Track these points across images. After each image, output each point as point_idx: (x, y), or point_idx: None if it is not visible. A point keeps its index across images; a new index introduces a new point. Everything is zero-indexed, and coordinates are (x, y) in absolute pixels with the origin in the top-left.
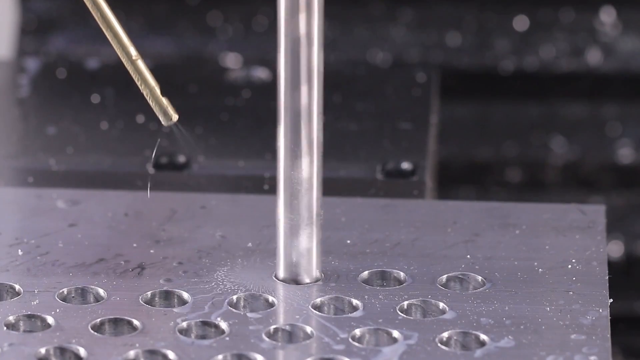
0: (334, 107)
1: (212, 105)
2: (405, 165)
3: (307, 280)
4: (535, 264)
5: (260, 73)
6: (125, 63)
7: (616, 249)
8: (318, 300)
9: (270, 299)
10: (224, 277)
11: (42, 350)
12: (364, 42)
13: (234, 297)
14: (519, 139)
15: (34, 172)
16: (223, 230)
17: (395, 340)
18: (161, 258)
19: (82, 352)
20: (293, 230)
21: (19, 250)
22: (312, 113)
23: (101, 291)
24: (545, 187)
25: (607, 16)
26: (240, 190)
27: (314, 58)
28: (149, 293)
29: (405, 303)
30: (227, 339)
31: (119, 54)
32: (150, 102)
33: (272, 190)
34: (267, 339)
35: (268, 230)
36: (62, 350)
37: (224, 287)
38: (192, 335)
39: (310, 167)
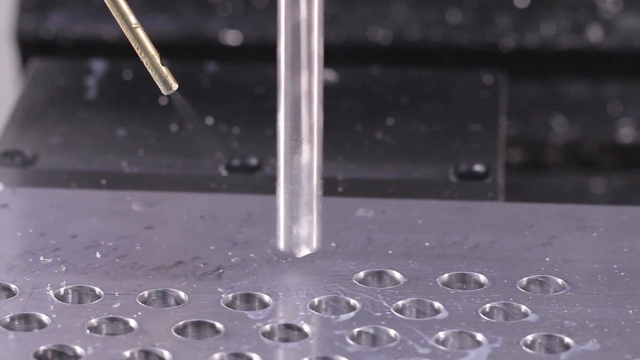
0: (403, 109)
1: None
2: (478, 168)
3: (307, 251)
4: (615, 266)
5: (328, 75)
6: (124, 31)
7: None
8: (400, 303)
9: (352, 301)
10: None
11: (127, 354)
12: (364, 20)
13: (316, 299)
14: (519, 118)
15: (106, 175)
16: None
17: (479, 343)
18: (240, 260)
19: (166, 355)
20: (293, 202)
21: (97, 253)
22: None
23: (182, 294)
24: (546, 167)
25: None
26: None
27: (314, 42)
28: (230, 296)
29: (488, 306)
30: (311, 342)
31: (118, 22)
32: (150, 70)
33: (347, 192)
34: (351, 342)
35: (345, 232)
36: (146, 354)
37: (307, 290)
38: (276, 339)
39: (310, 150)
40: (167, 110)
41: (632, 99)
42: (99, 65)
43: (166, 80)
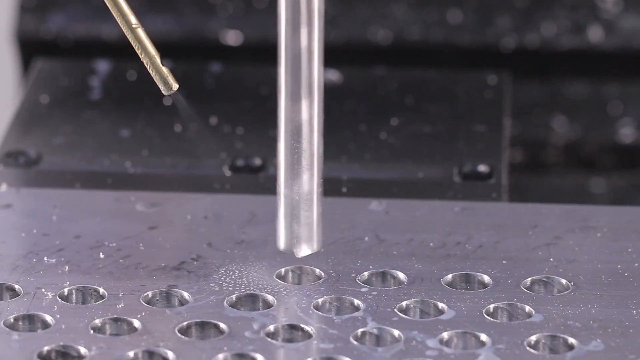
0: (407, 109)
1: None
2: (482, 168)
3: (308, 251)
4: (619, 266)
5: (331, 75)
6: (125, 31)
7: None
8: (404, 303)
9: (356, 302)
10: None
11: (131, 354)
12: (364, 19)
13: (320, 300)
14: (519, 118)
15: (110, 175)
16: None
17: (483, 343)
18: (244, 261)
19: (170, 355)
20: (293, 201)
21: (101, 254)
22: (312, 57)
23: (185, 294)
24: (546, 167)
25: None
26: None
27: (314, 41)
28: (233, 296)
29: (492, 306)
30: (315, 342)
31: (118, 22)
32: (150, 70)
33: (351, 192)
34: (354, 342)
35: (350, 232)
36: (150, 354)
37: (313, 290)
38: (279, 339)
39: (310, 150)
40: (171, 111)
41: (632, 99)
42: (102, 66)
43: (166, 81)
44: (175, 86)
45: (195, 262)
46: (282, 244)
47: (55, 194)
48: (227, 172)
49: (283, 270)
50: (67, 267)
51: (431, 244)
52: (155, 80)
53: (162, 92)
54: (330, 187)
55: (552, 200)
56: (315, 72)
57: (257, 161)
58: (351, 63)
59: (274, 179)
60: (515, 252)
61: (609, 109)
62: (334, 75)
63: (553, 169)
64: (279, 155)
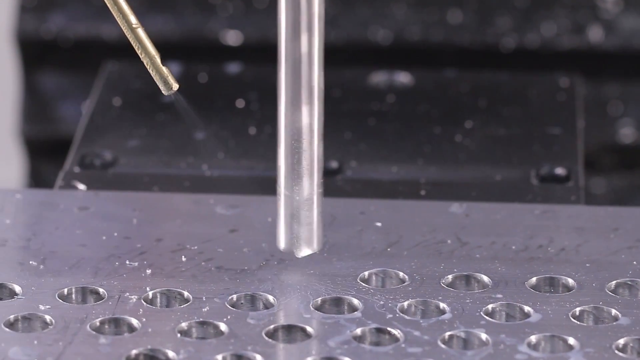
0: (481, 112)
1: (358, 110)
2: (560, 171)
3: (308, 251)
4: None
5: (403, 78)
6: (125, 31)
7: None
8: (490, 306)
9: (442, 305)
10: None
11: (219, 358)
12: (364, 20)
13: (405, 303)
14: None
15: (188, 178)
16: (386, 236)
17: (571, 347)
18: (327, 264)
19: (258, 359)
20: (294, 201)
21: (183, 257)
22: (312, 62)
23: (270, 297)
24: None
25: None
26: (396, 196)
27: (314, 40)
28: (319, 300)
29: (577, 309)
30: (402, 346)
31: (119, 22)
32: (150, 71)
33: (430, 195)
34: (442, 346)
35: (431, 235)
36: (238, 358)
37: (390, 295)
38: (367, 342)
39: (311, 149)
40: (245, 113)
41: (632, 99)
42: (173, 68)
43: (167, 81)
44: (175, 86)
45: (277, 265)
46: (282, 244)
47: (134, 196)
48: None
49: (367, 273)
50: (149, 270)
51: (513, 247)
52: (155, 80)
53: (162, 92)
54: (408, 190)
55: None
56: (316, 77)
57: (334, 164)
58: (349, 63)
59: (352, 182)
60: (597, 255)
61: (608, 109)
62: (405, 78)
63: None
64: (279, 156)
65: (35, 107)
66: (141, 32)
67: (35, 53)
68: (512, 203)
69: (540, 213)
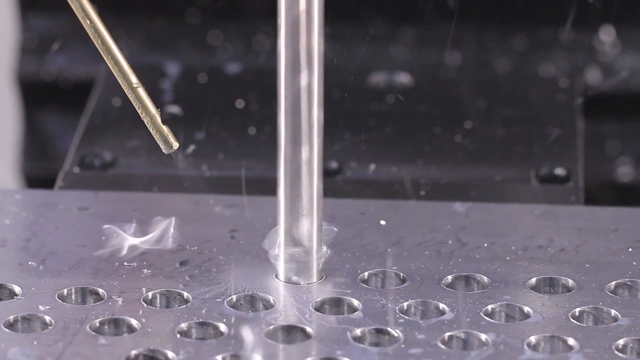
0: (481, 112)
1: (357, 111)
2: (560, 171)
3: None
4: None
5: (403, 78)
6: (125, 90)
7: None
8: (489, 307)
9: (441, 306)
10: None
11: (219, 358)
12: (363, 62)
13: (404, 303)
14: None
15: (187, 178)
16: (387, 236)
17: (571, 347)
18: (327, 264)
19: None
20: (294, 214)
21: (183, 257)
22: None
23: (270, 298)
24: None
25: (607, 35)
26: (396, 196)
27: (314, 40)
28: (319, 300)
29: (577, 310)
30: (403, 345)
31: (119, 81)
32: (150, 130)
33: (430, 196)
34: (442, 346)
35: (431, 235)
36: (238, 358)
37: (396, 295)
38: (366, 343)
39: (310, 152)
40: (245, 113)
41: (630, 138)
42: (173, 69)
43: (167, 140)
44: (175, 145)
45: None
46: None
47: (133, 197)
48: None
49: (367, 274)
50: (149, 271)
51: (513, 248)
52: (155, 139)
53: (163, 150)
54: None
55: None
56: (315, 115)
57: (333, 164)
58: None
59: (351, 182)
60: (597, 256)
61: (606, 148)
62: (405, 78)
63: None
64: (279, 195)
65: (36, 145)
66: (142, 92)
67: (35, 93)
68: (512, 203)
69: (540, 213)
